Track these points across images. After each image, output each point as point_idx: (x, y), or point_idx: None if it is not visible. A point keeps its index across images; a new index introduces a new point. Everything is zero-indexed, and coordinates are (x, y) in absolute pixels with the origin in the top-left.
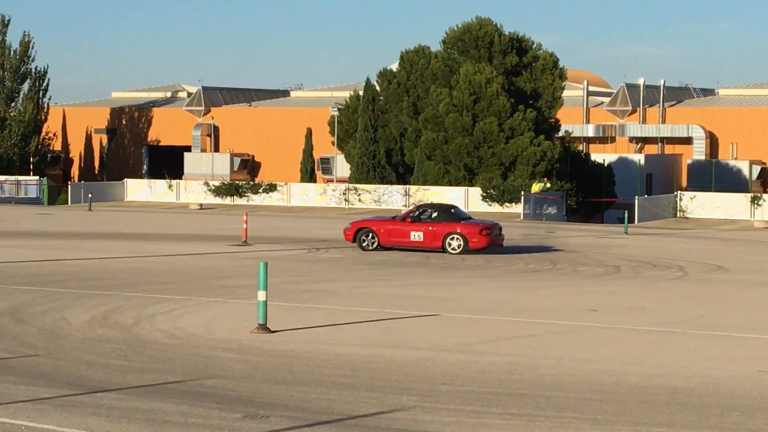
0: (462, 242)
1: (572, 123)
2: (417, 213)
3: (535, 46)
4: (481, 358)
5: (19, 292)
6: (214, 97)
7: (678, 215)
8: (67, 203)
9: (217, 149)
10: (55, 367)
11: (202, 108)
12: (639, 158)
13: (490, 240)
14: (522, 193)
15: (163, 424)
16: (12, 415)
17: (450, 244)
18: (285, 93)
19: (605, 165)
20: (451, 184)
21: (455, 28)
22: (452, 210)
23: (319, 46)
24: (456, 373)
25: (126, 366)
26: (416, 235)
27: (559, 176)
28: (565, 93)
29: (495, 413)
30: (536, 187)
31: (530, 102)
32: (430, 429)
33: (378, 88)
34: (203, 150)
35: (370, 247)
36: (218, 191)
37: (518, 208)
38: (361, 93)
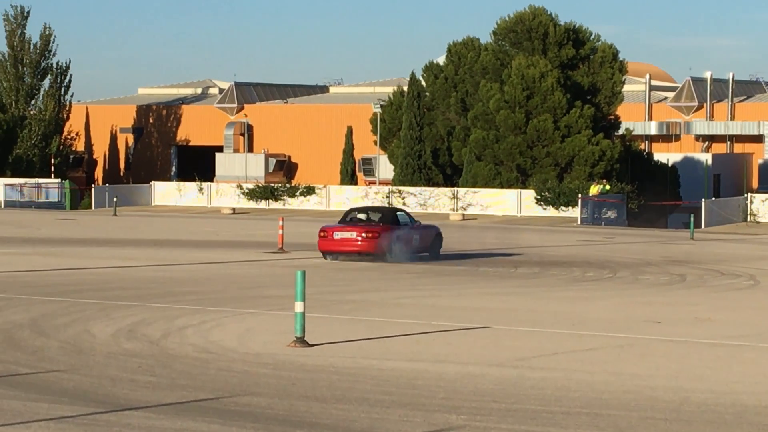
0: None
1: (633, 120)
2: None
3: (593, 37)
4: (535, 374)
5: (40, 303)
6: (247, 93)
7: (748, 219)
8: (90, 208)
9: (250, 149)
10: (79, 384)
11: (235, 105)
12: (706, 158)
13: (324, 243)
14: (579, 195)
15: None
16: None
17: None
18: (323, 89)
19: (669, 165)
20: (502, 186)
21: (507, 19)
22: (350, 212)
23: (360, 39)
24: (508, 390)
25: (154, 382)
26: None
27: (619, 177)
28: (626, 88)
29: None
30: (595, 190)
31: (588, 97)
32: None
33: (424, 83)
34: (236, 150)
35: None
36: (252, 194)
37: (575, 212)
38: (405, 88)
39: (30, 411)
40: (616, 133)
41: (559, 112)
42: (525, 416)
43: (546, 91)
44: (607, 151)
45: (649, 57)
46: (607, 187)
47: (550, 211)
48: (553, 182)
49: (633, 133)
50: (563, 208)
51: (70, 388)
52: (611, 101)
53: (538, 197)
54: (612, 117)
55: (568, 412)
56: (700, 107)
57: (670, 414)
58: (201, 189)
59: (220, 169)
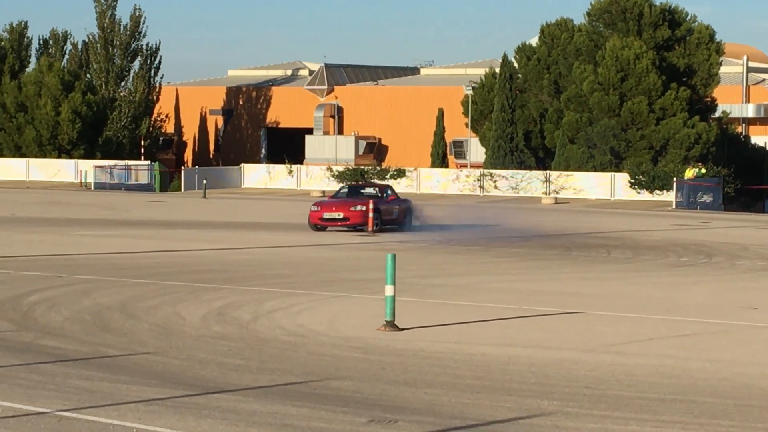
0: None
1: (730, 102)
2: None
3: (689, 18)
4: (629, 360)
5: (130, 285)
6: (337, 75)
7: None
8: (180, 190)
9: (340, 131)
10: (168, 366)
11: (325, 87)
12: None
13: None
14: (674, 179)
15: (284, 428)
16: (122, 416)
17: None
18: (414, 70)
19: (767, 149)
20: (595, 170)
21: None
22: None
23: (452, 19)
24: (601, 376)
25: (243, 365)
26: None
27: (715, 161)
28: (723, 69)
29: (644, 420)
30: (690, 173)
31: (683, 79)
32: None
33: (516, 64)
34: (326, 132)
35: None
36: (342, 177)
37: (670, 196)
38: (497, 70)
39: (119, 393)
40: (712, 116)
41: (654, 94)
42: (618, 402)
43: (641, 73)
44: (703, 134)
45: (747, 38)
46: (703, 170)
47: (645, 195)
48: (648, 165)
49: (730, 116)
50: (658, 191)
51: (159, 370)
52: (707, 83)
53: (632, 181)
54: (708, 99)
55: (662, 398)
56: None
57: (766, 401)
58: (291, 171)
59: (309, 151)
